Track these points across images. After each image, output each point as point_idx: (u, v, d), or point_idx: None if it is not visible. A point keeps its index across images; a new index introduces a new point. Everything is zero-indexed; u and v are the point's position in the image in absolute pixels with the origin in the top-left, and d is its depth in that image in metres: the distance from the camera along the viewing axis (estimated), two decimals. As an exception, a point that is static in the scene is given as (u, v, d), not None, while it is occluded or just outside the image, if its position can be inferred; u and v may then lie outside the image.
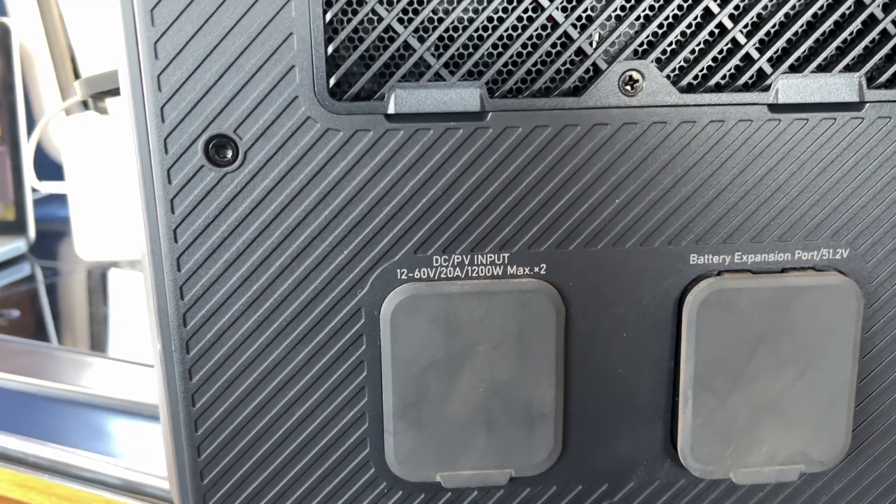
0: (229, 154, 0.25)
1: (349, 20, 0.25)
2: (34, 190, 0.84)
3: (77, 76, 0.94)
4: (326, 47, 0.25)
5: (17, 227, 0.85)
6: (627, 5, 0.26)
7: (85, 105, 0.78)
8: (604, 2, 0.26)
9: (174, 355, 0.27)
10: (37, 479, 0.47)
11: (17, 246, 0.84)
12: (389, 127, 0.25)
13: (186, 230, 0.26)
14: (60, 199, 0.89)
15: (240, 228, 0.26)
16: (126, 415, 0.48)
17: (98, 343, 0.64)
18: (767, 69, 0.26)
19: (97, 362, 0.55)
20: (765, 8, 0.26)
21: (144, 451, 0.46)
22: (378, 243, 0.26)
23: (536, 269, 0.27)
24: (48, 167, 0.89)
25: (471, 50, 0.26)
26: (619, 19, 0.26)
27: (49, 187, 0.79)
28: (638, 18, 0.26)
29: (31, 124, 0.88)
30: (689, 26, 0.26)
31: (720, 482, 0.30)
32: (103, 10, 0.91)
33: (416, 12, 0.25)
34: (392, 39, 0.25)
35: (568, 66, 0.26)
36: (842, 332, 0.28)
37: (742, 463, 0.29)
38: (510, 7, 0.25)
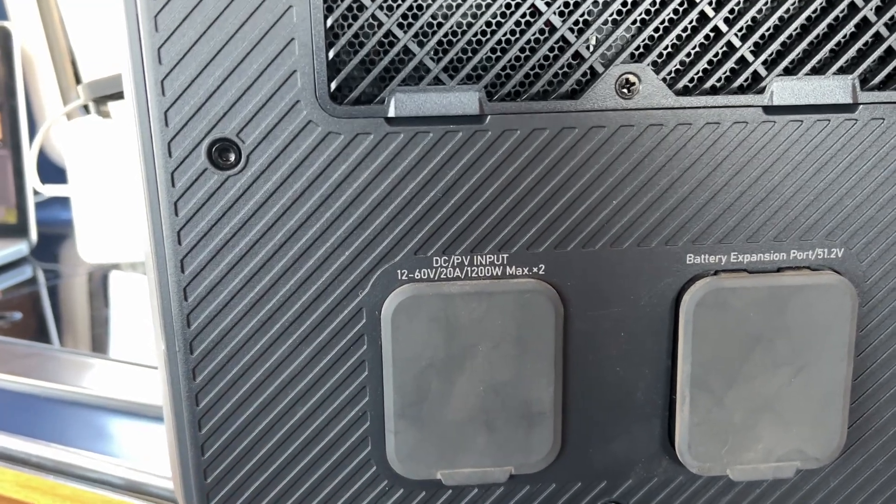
0: (232, 157, 0.26)
1: (350, 25, 0.25)
2: (36, 193, 0.84)
3: (78, 79, 0.94)
4: (327, 52, 0.25)
5: (19, 230, 0.86)
6: (624, 9, 0.26)
7: (86, 109, 0.78)
8: (600, 6, 0.26)
9: (178, 356, 0.27)
10: (40, 479, 0.47)
11: (18, 249, 0.84)
12: (390, 130, 0.26)
13: (190, 232, 0.26)
14: (62, 202, 0.90)
15: (242, 231, 0.26)
16: (128, 415, 0.48)
17: (99, 345, 0.64)
18: (762, 72, 0.27)
19: (99, 364, 0.56)
20: (759, 11, 0.26)
21: (147, 451, 0.46)
22: (379, 244, 0.27)
23: (535, 270, 0.28)
24: (50, 171, 0.89)
25: (469, 54, 0.26)
26: (616, 23, 0.26)
27: (52, 191, 0.79)
28: (634, 22, 0.26)
29: (32, 128, 0.89)
30: (685, 30, 0.26)
31: (717, 479, 0.30)
32: (104, 14, 0.91)
33: (415, 17, 0.26)
34: (392, 44, 0.26)
35: (565, 69, 0.27)
36: (837, 330, 0.28)
37: (739, 460, 0.29)
38: (508, 12, 0.26)
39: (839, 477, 0.31)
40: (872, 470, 0.31)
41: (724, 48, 0.27)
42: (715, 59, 0.27)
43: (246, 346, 0.27)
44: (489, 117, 0.26)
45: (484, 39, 0.26)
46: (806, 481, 0.30)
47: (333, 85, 0.25)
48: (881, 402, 0.30)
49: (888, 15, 0.26)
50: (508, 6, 0.26)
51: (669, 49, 0.27)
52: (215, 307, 0.27)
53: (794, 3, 0.26)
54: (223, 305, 0.27)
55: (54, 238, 0.91)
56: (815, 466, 0.29)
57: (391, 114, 0.26)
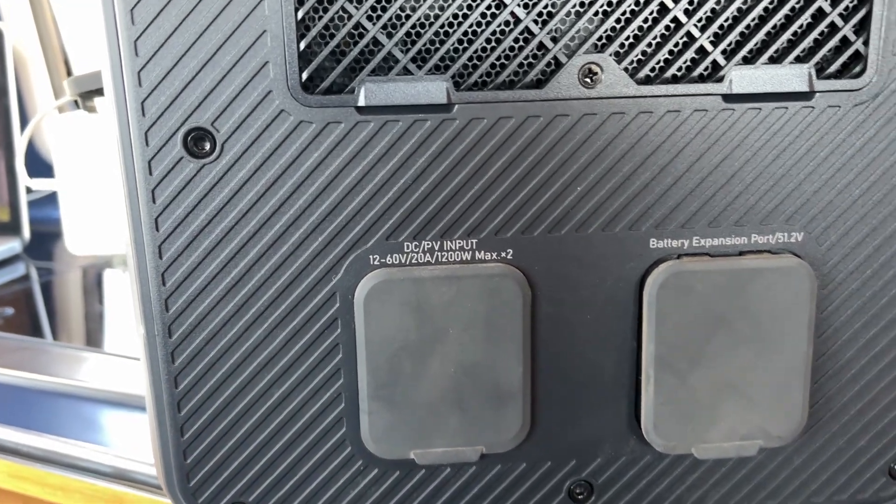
0: (207, 146, 0.27)
1: (320, 17, 0.26)
2: (28, 191, 0.85)
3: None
4: (299, 43, 0.26)
5: (12, 228, 0.86)
6: (586, 1, 0.27)
7: (76, 104, 0.79)
8: (563, -2, 0.27)
9: (157, 339, 0.28)
10: (29, 469, 0.48)
11: (11, 246, 0.85)
12: (360, 119, 0.27)
13: (167, 219, 0.27)
14: (55, 200, 0.90)
15: (218, 217, 0.27)
16: (118, 406, 0.49)
17: (93, 341, 0.65)
18: (721, 61, 0.28)
19: (89, 356, 0.57)
20: (718, 2, 0.27)
21: (137, 440, 0.47)
22: (351, 230, 0.28)
23: (503, 255, 0.28)
24: (40, 166, 0.90)
25: (437, 45, 0.27)
26: (579, 14, 0.27)
27: (40, 184, 0.80)
28: (596, 13, 0.27)
29: (25, 126, 0.89)
30: (646, 20, 0.27)
31: (684, 457, 0.31)
32: (95, 11, 0.91)
33: (383, 9, 0.26)
34: (361, 35, 0.27)
35: (530, 59, 0.27)
36: (797, 312, 0.29)
37: (703, 439, 0.30)
38: (474, 4, 0.27)
39: (803, 455, 0.31)
40: (835, 448, 0.31)
41: (684, 38, 0.27)
42: (675, 49, 0.28)
43: (223, 330, 0.28)
44: (456, 106, 0.27)
45: (451, 31, 0.27)
46: (770, 460, 0.31)
47: (305, 75, 0.26)
48: (842, 382, 0.31)
49: (842, 5, 0.27)
50: (474, -2, 0.27)
51: (631, 39, 0.27)
52: (192, 292, 0.28)
53: (751, -6, 0.27)
54: (200, 290, 0.28)
55: (47, 236, 0.91)
56: (777, 445, 0.30)
57: (361, 103, 0.26)
